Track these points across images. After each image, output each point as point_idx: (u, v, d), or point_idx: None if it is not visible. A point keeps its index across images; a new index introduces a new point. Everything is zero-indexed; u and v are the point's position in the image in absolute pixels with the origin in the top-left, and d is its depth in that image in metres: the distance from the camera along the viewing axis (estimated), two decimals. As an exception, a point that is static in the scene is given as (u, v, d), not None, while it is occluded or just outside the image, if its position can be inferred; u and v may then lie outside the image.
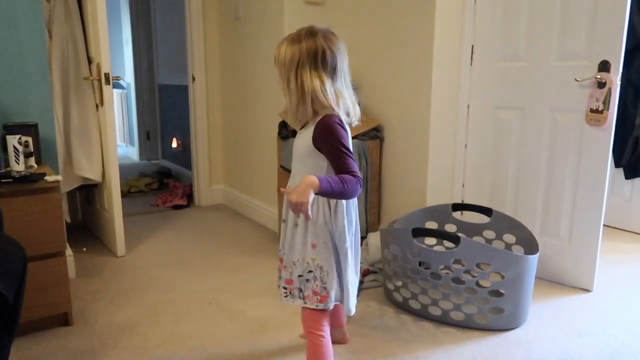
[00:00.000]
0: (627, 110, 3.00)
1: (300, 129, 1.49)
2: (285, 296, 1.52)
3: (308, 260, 1.46)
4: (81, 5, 2.73)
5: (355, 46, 2.91)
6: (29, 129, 2.12)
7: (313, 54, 1.36)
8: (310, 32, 1.39)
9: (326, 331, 1.53)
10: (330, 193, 1.31)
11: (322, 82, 1.36)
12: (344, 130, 1.40)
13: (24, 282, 1.48)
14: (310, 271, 1.46)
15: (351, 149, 1.40)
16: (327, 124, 1.38)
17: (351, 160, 1.36)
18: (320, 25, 1.42)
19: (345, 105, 1.41)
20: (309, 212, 1.29)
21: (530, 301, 2.05)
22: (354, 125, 1.47)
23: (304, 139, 1.44)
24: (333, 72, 1.39)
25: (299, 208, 1.26)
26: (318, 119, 1.40)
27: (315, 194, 1.27)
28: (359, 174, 1.36)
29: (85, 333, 1.95)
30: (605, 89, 2.12)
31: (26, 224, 1.83)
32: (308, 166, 1.43)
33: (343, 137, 1.38)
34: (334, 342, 1.84)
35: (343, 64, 1.41)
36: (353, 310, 1.53)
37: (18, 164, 1.97)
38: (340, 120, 1.40)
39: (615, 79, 2.10)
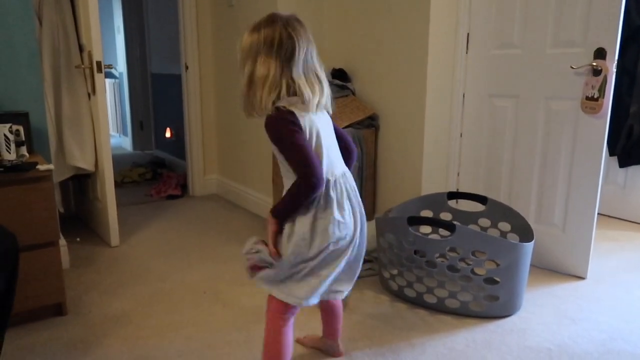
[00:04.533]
0: (622, 98, 3.01)
1: None
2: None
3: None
4: (71, -8, 2.69)
5: (350, 34, 2.89)
6: (20, 117, 2.09)
7: (269, 41, 1.31)
8: (271, 20, 1.33)
9: (288, 320, 1.49)
10: (287, 213, 1.41)
11: (269, 70, 1.30)
12: (289, 122, 1.32)
13: (16, 271, 1.47)
14: None
15: (299, 140, 1.32)
16: (269, 125, 1.34)
17: (298, 157, 1.32)
18: (283, 12, 1.37)
19: (300, 93, 1.32)
20: (275, 244, 1.48)
21: (525, 289, 2.06)
22: (315, 111, 1.37)
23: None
24: (289, 60, 1.31)
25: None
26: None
27: (280, 221, 1.43)
28: (308, 168, 1.31)
29: (79, 323, 1.94)
30: (600, 77, 2.11)
31: (18, 213, 1.81)
32: (280, 160, 1.40)
33: (285, 134, 1.33)
34: (324, 352, 1.74)
35: (303, 50, 1.32)
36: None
37: (9, 153, 1.94)
38: (284, 113, 1.32)
39: (611, 66, 2.10)
